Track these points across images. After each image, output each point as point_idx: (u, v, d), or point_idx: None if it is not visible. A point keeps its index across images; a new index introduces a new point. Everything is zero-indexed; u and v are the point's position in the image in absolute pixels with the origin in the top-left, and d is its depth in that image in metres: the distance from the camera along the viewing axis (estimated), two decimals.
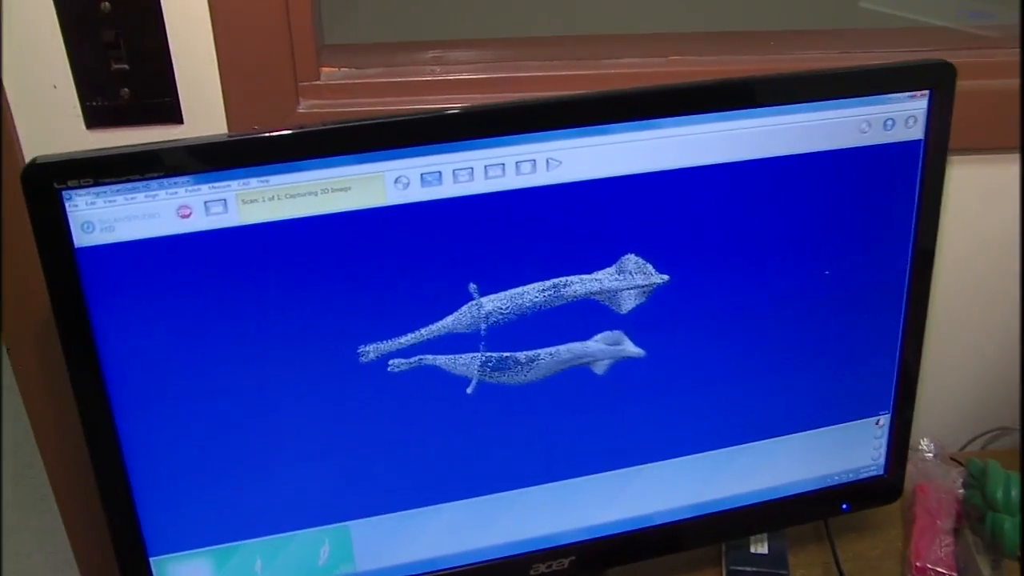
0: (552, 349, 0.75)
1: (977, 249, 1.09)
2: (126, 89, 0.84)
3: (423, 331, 0.72)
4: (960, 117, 0.80)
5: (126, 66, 0.83)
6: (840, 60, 0.99)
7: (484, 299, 0.72)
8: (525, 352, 0.75)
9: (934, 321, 1.10)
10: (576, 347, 0.76)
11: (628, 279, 0.74)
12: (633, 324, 0.77)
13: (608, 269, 0.74)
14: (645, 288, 0.75)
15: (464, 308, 0.72)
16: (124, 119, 0.86)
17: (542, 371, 0.76)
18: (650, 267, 0.74)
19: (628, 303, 0.75)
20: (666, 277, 0.75)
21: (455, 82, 0.90)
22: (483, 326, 0.73)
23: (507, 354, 0.74)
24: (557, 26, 1.09)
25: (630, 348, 0.76)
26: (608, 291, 0.74)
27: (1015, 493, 0.88)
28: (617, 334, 0.76)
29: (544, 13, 1.25)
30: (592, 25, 1.18)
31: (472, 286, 0.71)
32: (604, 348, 0.76)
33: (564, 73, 0.92)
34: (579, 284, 0.74)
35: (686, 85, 0.73)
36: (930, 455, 1.05)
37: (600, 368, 0.77)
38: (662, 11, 1.20)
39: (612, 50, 0.95)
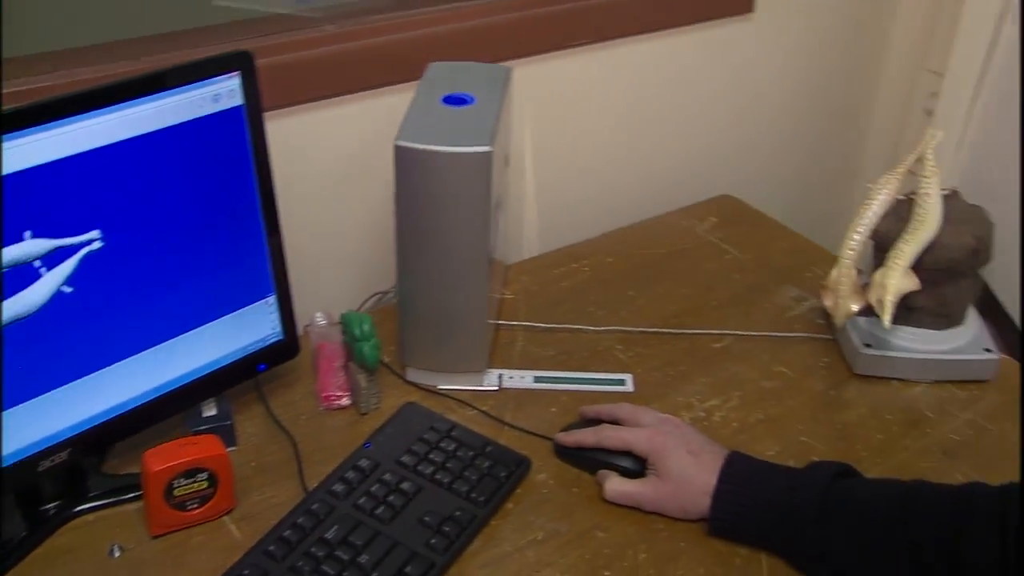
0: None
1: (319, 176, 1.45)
2: None
3: None
4: (274, 81, 1.14)
5: None
6: (197, 53, 1.16)
7: None
8: None
9: (304, 224, 1.38)
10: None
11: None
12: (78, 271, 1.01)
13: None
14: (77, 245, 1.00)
15: None
16: None
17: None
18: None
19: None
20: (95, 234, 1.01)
21: None
22: None
23: None
24: None
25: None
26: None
27: (366, 327, 1.26)
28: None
29: None
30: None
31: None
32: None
33: None
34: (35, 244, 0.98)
35: (70, 94, 0.96)
36: (323, 323, 1.38)
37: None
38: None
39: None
